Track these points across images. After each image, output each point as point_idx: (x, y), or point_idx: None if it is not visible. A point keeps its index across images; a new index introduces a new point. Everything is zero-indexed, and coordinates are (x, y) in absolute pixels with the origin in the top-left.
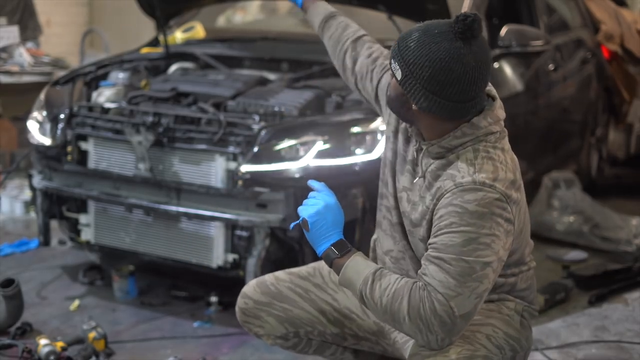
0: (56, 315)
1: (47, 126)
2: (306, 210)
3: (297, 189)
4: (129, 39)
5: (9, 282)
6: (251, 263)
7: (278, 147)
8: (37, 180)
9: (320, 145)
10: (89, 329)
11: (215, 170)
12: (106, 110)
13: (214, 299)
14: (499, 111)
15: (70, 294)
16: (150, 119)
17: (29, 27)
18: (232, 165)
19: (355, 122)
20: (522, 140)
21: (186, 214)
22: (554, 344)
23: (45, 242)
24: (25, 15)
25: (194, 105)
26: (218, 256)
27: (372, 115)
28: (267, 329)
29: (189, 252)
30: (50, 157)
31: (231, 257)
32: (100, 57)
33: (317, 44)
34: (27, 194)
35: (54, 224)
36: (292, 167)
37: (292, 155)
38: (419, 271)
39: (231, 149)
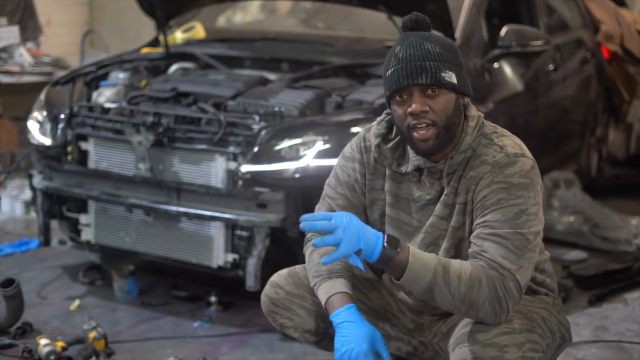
0: (56, 315)
1: (48, 126)
2: (353, 242)
3: (297, 188)
4: (129, 39)
5: (9, 282)
6: (251, 263)
7: (278, 147)
8: (38, 180)
9: (320, 145)
10: (89, 329)
11: (215, 170)
12: (106, 110)
13: (214, 299)
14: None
15: (70, 294)
16: (150, 119)
17: (29, 27)
18: (232, 165)
19: (355, 122)
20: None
21: (186, 214)
22: None
23: (46, 242)
24: (26, 15)
25: (194, 105)
26: (218, 256)
27: (372, 115)
28: (296, 322)
29: (189, 252)
30: (51, 157)
31: (231, 257)
32: (100, 57)
33: (317, 44)
34: (28, 194)
35: (54, 224)
36: (292, 167)
37: (292, 155)
38: (471, 250)
39: (231, 149)
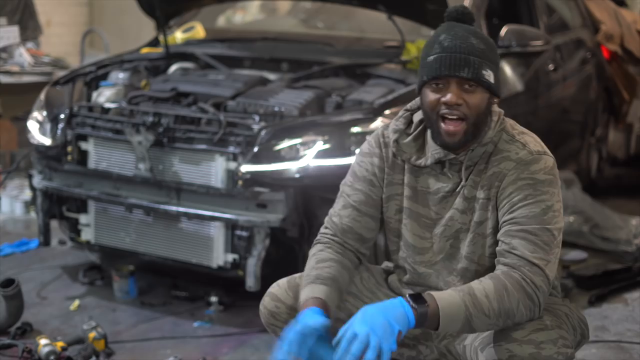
0: (56, 315)
1: (47, 126)
2: (389, 332)
3: (297, 188)
4: (129, 39)
5: (9, 282)
6: (251, 263)
7: (278, 147)
8: (37, 180)
9: (320, 145)
10: (89, 329)
11: (215, 170)
12: (106, 110)
13: (214, 299)
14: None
15: (70, 294)
16: (150, 119)
17: (29, 27)
18: (232, 165)
19: (355, 122)
20: None
21: (186, 214)
22: None
23: (45, 242)
24: (26, 15)
25: (194, 105)
26: (218, 256)
27: (372, 115)
28: None
29: (189, 252)
30: (50, 157)
31: (231, 257)
32: (100, 57)
33: (317, 44)
34: (27, 194)
35: (54, 224)
36: (292, 167)
37: (292, 155)
38: (499, 249)
39: (231, 149)
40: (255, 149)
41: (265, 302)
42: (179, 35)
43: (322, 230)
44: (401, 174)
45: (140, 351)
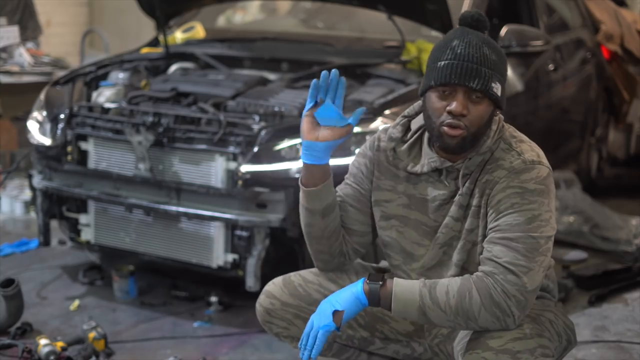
0: (56, 315)
1: (47, 126)
2: (326, 312)
3: (297, 188)
4: (129, 39)
5: (9, 282)
6: (251, 263)
7: (278, 147)
8: (37, 180)
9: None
10: (89, 329)
11: (215, 170)
12: (106, 110)
13: (214, 299)
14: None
15: (70, 294)
16: (150, 119)
17: (29, 27)
18: (232, 165)
19: None
20: None
21: (186, 214)
22: None
23: (45, 242)
24: (25, 15)
25: (194, 105)
26: (218, 256)
27: (372, 115)
28: (292, 331)
29: (189, 252)
30: (50, 157)
31: (231, 257)
32: (100, 57)
33: (317, 44)
34: (27, 194)
35: (54, 224)
36: (292, 167)
37: (292, 155)
38: (482, 256)
39: (231, 149)
40: (255, 149)
41: (261, 299)
42: (179, 35)
43: None
44: (392, 180)
45: (140, 351)
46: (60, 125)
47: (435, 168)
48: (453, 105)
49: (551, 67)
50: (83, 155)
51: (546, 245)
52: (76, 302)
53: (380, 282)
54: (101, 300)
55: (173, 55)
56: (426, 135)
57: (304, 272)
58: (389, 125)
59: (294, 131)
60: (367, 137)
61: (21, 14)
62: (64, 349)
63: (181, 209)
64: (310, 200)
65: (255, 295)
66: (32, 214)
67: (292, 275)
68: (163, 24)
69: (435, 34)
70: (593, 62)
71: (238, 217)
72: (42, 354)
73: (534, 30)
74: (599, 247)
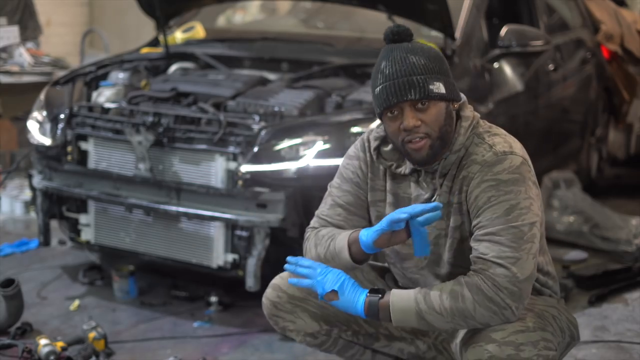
0: (56, 315)
1: (47, 126)
2: (323, 283)
3: (297, 188)
4: (129, 39)
5: (9, 282)
6: (251, 263)
7: (278, 147)
8: (37, 180)
9: (320, 145)
10: (89, 329)
11: (215, 170)
12: (106, 110)
13: (214, 299)
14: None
15: (70, 294)
16: (150, 119)
17: (29, 27)
18: (232, 165)
19: (355, 122)
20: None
21: (186, 214)
22: None
23: (45, 242)
24: (25, 15)
25: (194, 105)
26: (218, 256)
27: (372, 115)
28: (298, 325)
29: (189, 252)
30: (50, 157)
31: (231, 257)
32: (100, 57)
33: (317, 44)
34: (27, 194)
35: (54, 224)
36: (292, 167)
37: (292, 155)
38: (471, 256)
39: (231, 149)
40: (255, 149)
41: (268, 293)
42: (179, 35)
43: (310, 226)
44: (382, 180)
45: (140, 351)
46: (60, 125)
47: (414, 169)
48: (404, 123)
49: (551, 67)
50: (83, 155)
51: (530, 232)
52: (76, 302)
53: (380, 295)
54: (101, 300)
55: (173, 55)
56: None
57: None
58: (374, 126)
59: (294, 131)
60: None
61: (21, 14)
62: (64, 349)
63: (181, 209)
64: (342, 265)
65: (255, 295)
66: (32, 214)
67: None
68: (163, 24)
69: (435, 34)
70: (593, 62)
71: (238, 217)
72: (42, 354)
73: (534, 30)
74: (599, 247)
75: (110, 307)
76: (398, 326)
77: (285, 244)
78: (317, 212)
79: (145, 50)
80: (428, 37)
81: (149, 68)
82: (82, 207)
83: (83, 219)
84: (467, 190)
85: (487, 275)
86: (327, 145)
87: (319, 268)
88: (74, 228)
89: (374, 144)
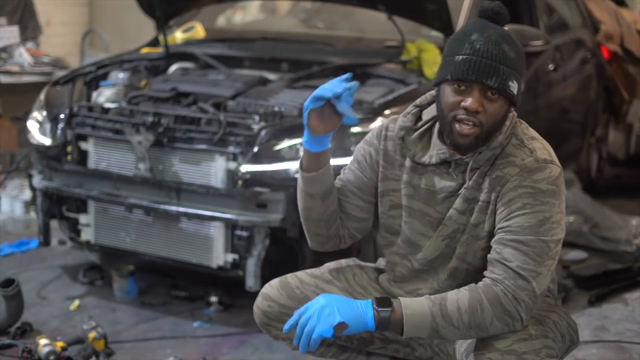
0: (56, 315)
1: (47, 126)
2: (329, 319)
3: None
4: (129, 39)
5: (9, 282)
6: (251, 263)
7: (278, 147)
8: (37, 180)
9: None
10: (89, 329)
11: (215, 170)
12: (106, 110)
13: (214, 299)
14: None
15: (70, 294)
16: (150, 119)
17: (29, 27)
18: (232, 165)
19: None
20: None
21: (186, 214)
22: None
23: (45, 242)
24: (25, 15)
25: (194, 105)
26: (218, 256)
27: (372, 115)
28: (291, 334)
29: (189, 252)
30: (50, 157)
31: (231, 257)
32: (100, 57)
33: (317, 44)
34: (27, 194)
35: (54, 224)
36: (292, 167)
37: (292, 155)
38: (490, 257)
39: (231, 149)
40: (255, 149)
41: (258, 302)
42: (179, 35)
43: None
44: (398, 170)
45: (140, 351)
46: (60, 125)
47: (444, 160)
48: (468, 102)
49: (551, 67)
50: (83, 155)
51: (555, 249)
52: (76, 302)
53: (390, 309)
54: (101, 300)
55: (173, 55)
56: (437, 126)
57: (301, 274)
58: (397, 116)
59: (294, 131)
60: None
61: (21, 13)
62: (64, 349)
63: (181, 209)
64: (310, 185)
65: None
66: (32, 214)
67: (289, 277)
68: (163, 24)
69: (435, 34)
70: (593, 62)
71: (238, 217)
72: (42, 354)
73: (534, 30)
74: (599, 247)
75: (110, 307)
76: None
77: (285, 244)
78: None
79: (145, 50)
80: (428, 37)
81: (149, 68)
82: (82, 207)
83: (83, 219)
84: (501, 190)
85: (507, 285)
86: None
87: (307, 308)
88: (74, 228)
89: (399, 133)
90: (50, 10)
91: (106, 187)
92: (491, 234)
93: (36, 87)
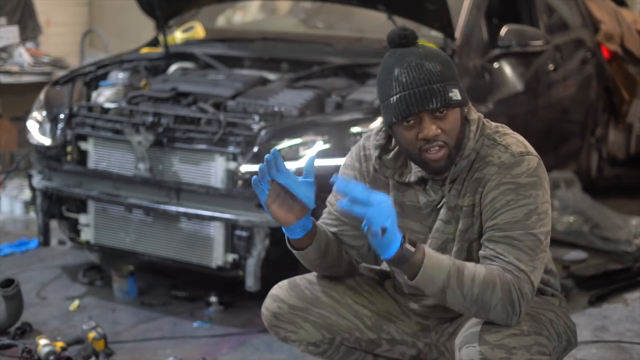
0: (56, 315)
1: (47, 126)
2: (382, 215)
3: None
4: (129, 39)
5: (9, 282)
6: (251, 263)
7: (278, 147)
8: (37, 180)
9: (320, 145)
10: (89, 329)
11: (215, 170)
12: (106, 110)
13: (214, 299)
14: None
15: (70, 294)
16: (150, 119)
17: (29, 27)
18: (232, 165)
19: (355, 122)
20: None
21: (186, 214)
22: None
23: (45, 242)
24: (25, 15)
25: (193, 105)
26: (218, 256)
27: (372, 115)
28: (301, 335)
29: (189, 252)
30: (50, 157)
31: (231, 257)
32: (100, 57)
33: (317, 44)
34: (27, 194)
35: (53, 224)
36: (292, 167)
37: (292, 155)
38: (484, 253)
39: (231, 149)
40: (255, 149)
41: (267, 303)
42: (178, 35)
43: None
44: (383, 189)
45: (140, 351)
46: (60, 125)
47: (421, 177)
48: (424, 132)
49: (551, 67)
50: (83, 155)
51: (546, 241)
52: (76, 302)
53: (413, 250)
54: (101, 300)
55: (173, 55)
56: None
57: (309, 276)
58: (369, 132)
59: (294, 131)
60: (351, 147)
61: (21, 13)
62: (63, 349)
63: (181, 209)
64: (305, 255)
65: (255, 295)
66: (32, 214)
67: (298, 279)
68: (163, 24)
69: (435, 34)
70: (593, 62)
71: (238, 217)
72: (42, 354)
73: (534, 30)
74: (599, 247)
75: (110, 307)
76: (402, 319)
77: (285, 244)
78: (320, 220)
79: (145, 50)
80: (428, 37)
81: (149, 68)
82: (81, 207)
83: (83, 219)
84: (483, 191)
85: (515, 277)
86: (327, 145)
87: (373, 196)
88: (74, 228)
89: (375, 153)
90: (50, 10)
91: (106, 187)
92: (480, 235)
93: (36, 87)
